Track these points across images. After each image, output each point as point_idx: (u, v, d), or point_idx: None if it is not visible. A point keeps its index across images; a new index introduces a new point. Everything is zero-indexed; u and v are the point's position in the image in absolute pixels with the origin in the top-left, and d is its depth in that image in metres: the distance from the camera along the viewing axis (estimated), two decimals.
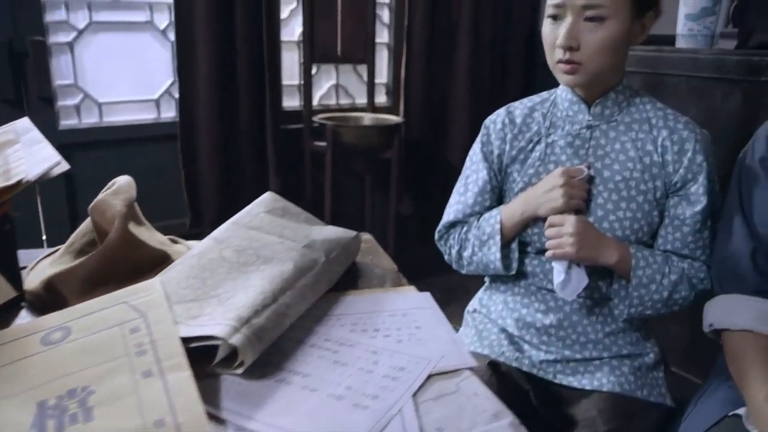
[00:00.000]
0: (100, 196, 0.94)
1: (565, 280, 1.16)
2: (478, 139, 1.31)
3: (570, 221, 1.14)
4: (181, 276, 0.83)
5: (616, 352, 1.23)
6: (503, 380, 1.17)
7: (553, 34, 1.13)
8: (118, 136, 2.39)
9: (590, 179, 1.19)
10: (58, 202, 2.28)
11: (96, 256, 0.86)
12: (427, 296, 0.91)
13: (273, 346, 0.75)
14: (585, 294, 1.21)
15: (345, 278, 0.97)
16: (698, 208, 1.16)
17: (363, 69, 2.83)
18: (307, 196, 2.64)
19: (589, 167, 1.19)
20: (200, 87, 2.31)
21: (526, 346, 1.25)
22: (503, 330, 1.28)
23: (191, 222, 2.44)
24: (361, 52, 2.68)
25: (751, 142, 1.14)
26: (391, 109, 2.99)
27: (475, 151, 1.31)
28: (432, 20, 2.82)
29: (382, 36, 2.99)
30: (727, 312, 1.11)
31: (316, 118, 2.50)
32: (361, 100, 2.92)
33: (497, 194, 1.30)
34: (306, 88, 2.60)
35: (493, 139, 1.28)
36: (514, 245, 1.24)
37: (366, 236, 1.17)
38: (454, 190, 1.35)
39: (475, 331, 1.32)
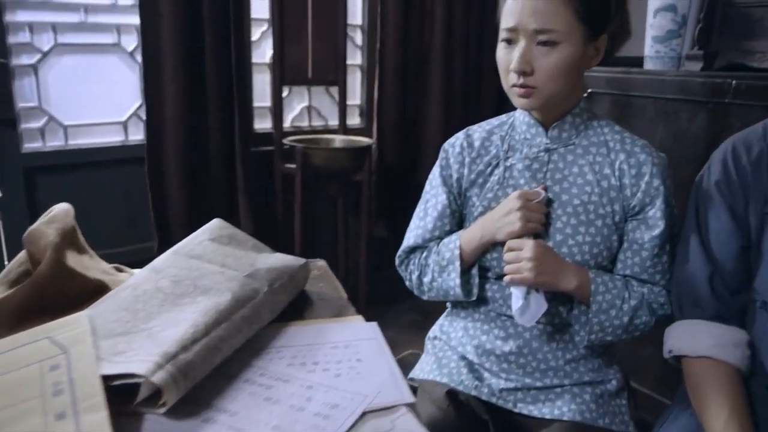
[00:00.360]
0: (35, 224, 0.91)
1: (523, 305, 1.13)
2: (438, 163, 1.29)
3: (528, 245, 1.12)
4: (112, 308, 0.80)
5: (577, 379, 1.20)
6: (461, 410, 1.14)
7: (506, 58, 1.12)
8: (84, 159, 2.35)
9: (548, 202, 1.18)
10: (21, 228, 2.23)
11: (25, 288, 0.82)
12: (373, 326, 0.88)
13: (203, 382, 0.71)
14: (545, 320, 1.19)
15: (291, 308, 0.94)
16: (656, 232, 1.15)
17: (336, 91, 2.82)
18: (278, 219, 2.61)
19: (546, 189, 1.18)
20: (168, 109, 2.28)
21: (485, 374, 1.23)
22: (463, 357, 1.25)
23: (159, 246, 2.39)
24: (332, 74, 2.67)
25: (707, 165, 1.13)
26: (364, 131, 2.98)
27: (435, 175, 1.29)
28: (404, 42, 2.83)
29: (355, 58, 2.98)
30: (686, 338, 1.09)
31: (287, 140, 2.48)
32: (334, 121, 2.91)
33: (457, 218, 1.28)
34: (276, 110, 2.58)
35: (452, 163, 1.27)
36: (474, 271, 1.22)
37: (320, 263, 1.15)
38: (414, 215, 1.33)
39: (434, 359, 1.29)
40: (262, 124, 2.77)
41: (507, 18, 1.11)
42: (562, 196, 1.18)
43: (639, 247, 1.16)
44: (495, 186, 1.22)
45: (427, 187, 1.32)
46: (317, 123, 2.94)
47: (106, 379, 0.66)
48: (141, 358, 0.68)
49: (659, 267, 1.17)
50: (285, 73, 2.56)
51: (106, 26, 2.35)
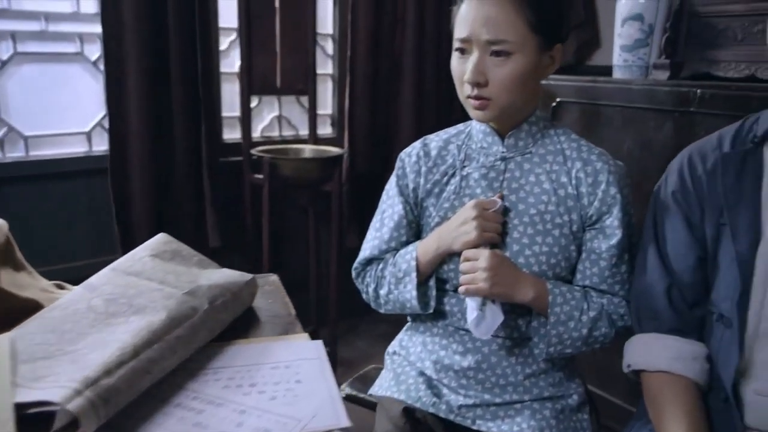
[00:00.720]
0: None
1: (479, 317, 1.11)
2: (394, 173, 1.27)
3: (484, 255, 1.09)
4: (38, 329, 0.76)
5: (537, 394, 1.18)
6: (418, 428, 1.11)
7: (460, 69, 1.10)
8: (46, 171, 2.29)
9: (505, 211, 1.15)
10: None
11: None
12: (317, 345, 0.85)
13: (130, 407, 0.68)
14: (504, 334, 1.16)
15: (234, 326, 0.90)
16: (614, 241, 1.13)
17: (306, 100, 2.78)
18: (247, 231, 2.57)
19: (502, 198, 1.15)
20: (132, 120, 2.24)
21: (444, 390, 1.20)
22: (421, 373, 1.22)
23: None
24: (302, 84, 2.64)
25: (664, 176, 1.12)
26: (336, 141, 2.95)
27: (391, 185, 1.27)
28: (376, 50, 2.81)
29: (326, 67, 2.96)
30: (644, 352, 1.07)
31: (255, 151, 2.45)
32: (306, 131, 2.88)
33: (414, 229, 1.25)
34: (245, 120, 2.54)
35: (408, 173, 1.24)
36: (431, 282, 1.19)
37: (272, 278, 1.12)
38: (371, 226, 1.30)
39: (393, 375, 1.26)
40: (232, 134, 2.73)
41: (460, 28, 1.09)
42: (519, 206, 1.16)
43: (597, 257, 1.14)
44: (451, 196, 1.20)
45: (383, 197, 1.29)
46: (288, 133, 2.91)
47: (21, 407, 0.62)
48: (60, 384, 0.64)
49: (618, 277, 1.15)
50: (253, 83, 2.52)
51: (68, 35, 2.30)
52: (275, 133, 2.88)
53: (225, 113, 2.68)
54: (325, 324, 2.74)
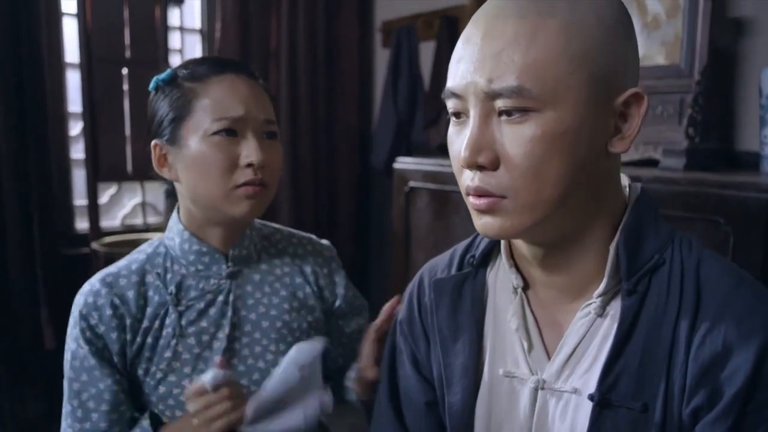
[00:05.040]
0: None
1: None
2: (78, 336, 0.96)
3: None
4: None
5: None
6: None
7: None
8: None
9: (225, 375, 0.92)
10: None
11: None
12: None
13: None
14: None
15: None
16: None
17: None
18: None
19: (224, 363, 0.93)
20: None
21: None
22: None
23: None
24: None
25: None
26: None
27: (80, 355, 0.96)
28: None
29: None
30: None
31: (95, 244, 2.24)
32: None
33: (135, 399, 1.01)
34: (92, 209, 2.36)
35: (105, 332, 0.96)
36: None
37: None
38: (65, 416, 0.98)
39: None
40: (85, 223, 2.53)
41: None
42: (263, 323, 1.03)
43: (347, 339, 1.14)
44: (172, 342, 0.98)
45: (69, 374, 0.97)
46: (153, 220, 2.72)
47: None
48: None
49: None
50: (100, 169, 2.35)
51: None
52: (138, 221, 2.69)
53: (77, 202, 2.49)
54: None
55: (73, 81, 2.39)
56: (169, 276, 1.01)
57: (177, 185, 1.01)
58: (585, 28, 0.63)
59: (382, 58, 2.86)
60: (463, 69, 0.66)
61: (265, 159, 0.96)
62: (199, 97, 0.96)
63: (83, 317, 0.96)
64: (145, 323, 0.98)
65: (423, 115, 2.52)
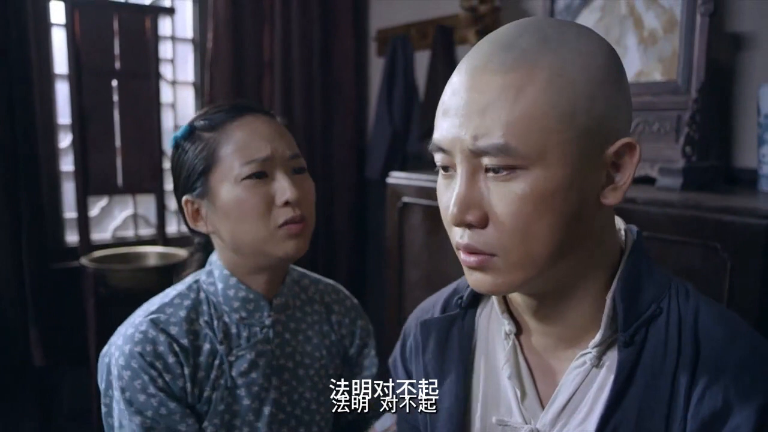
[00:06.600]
0: None
1: None
2: (146, 385, 0.89)
3: None
4: None
5: None
6: None
7: None
8: None
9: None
10: None
11: None
12: None
13: None
14: None
15: None
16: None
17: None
18: (90, 350, 2.28)
19: None
20: None
21: None
22: None
23: None
24: (147, 182, 2.44)
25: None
26: (190, 238, 2.72)
27: (152, 406, 0.89)
28: None
29: None
30: None
31: (84, 259, 2.21)
32: (170, 228, 2.66)
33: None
34: (81, 222, 2.32)
35: (171, 381, 0.91)
36: None
37: None
38: None
39: None
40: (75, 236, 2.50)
41: None
42: (299, 371, 1.03)
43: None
44: (224, 394, 0.95)
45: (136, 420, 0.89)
46: (145, 232, 2.68)
47: None
48: None
49: None
50: (90, 183, 2.31)
51: None
52: (130, 233, 2.65)
53: (68, 215, 2.45)
54: None
55: (63, 92, 2.35)
56: (215, 323, 0.97)
57: (214, 237, 0.99)
58: (574, 80, 0.60)
59: (377, 66, 2.83)
60: (449, 123, 0.63)
61: (299, 195, 0.94)
62: (222, 144, 0.94)
63: (150, 365, 0.89)
64: (201, 373, 0.94)
65: (418, 125, 2.49)
